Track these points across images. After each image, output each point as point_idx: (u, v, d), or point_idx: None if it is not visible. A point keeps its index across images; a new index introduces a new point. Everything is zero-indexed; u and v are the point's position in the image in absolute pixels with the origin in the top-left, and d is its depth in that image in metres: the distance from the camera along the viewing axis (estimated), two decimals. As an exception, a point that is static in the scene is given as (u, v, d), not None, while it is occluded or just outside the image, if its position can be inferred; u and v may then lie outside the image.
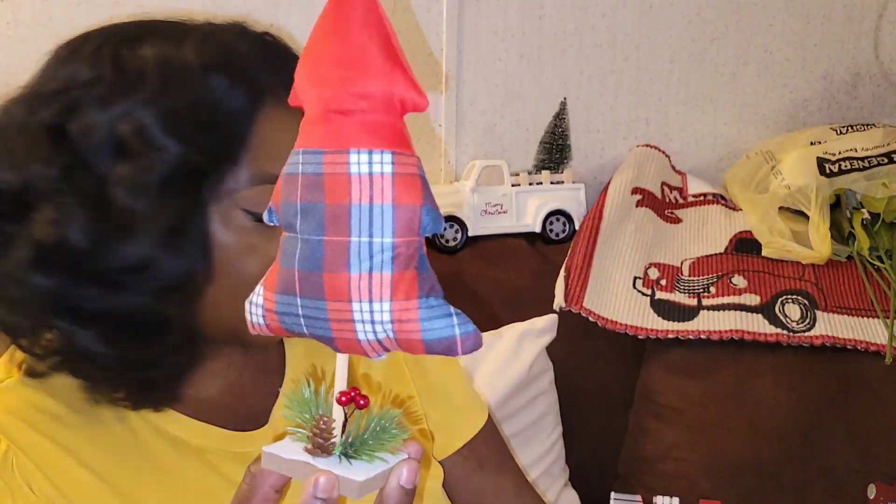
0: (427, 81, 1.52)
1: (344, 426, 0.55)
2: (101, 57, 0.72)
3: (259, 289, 0.56)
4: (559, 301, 1.39)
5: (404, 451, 0.56)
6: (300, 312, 0.53)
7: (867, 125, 1.65)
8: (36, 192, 0.69)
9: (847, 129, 1.63)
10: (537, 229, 1.53)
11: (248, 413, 0.84)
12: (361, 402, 0.55)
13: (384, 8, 0.55)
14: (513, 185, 1.53)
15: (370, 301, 0.51)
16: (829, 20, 1.72)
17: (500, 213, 1.52)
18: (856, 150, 1.56)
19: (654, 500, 1.31)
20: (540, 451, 1.34)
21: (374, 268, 0.51)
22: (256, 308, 0.56)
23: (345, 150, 0.51)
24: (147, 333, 0.72)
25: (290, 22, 1.45)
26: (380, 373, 0.90)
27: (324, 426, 0.54)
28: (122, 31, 0.75)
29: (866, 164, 1.52)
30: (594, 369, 1.42)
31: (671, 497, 1.30)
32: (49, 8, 1.33)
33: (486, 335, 1.29)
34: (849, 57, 1.75)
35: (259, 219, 0.71)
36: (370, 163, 0.51)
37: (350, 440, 0.54)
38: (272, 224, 0.55)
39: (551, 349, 1.37)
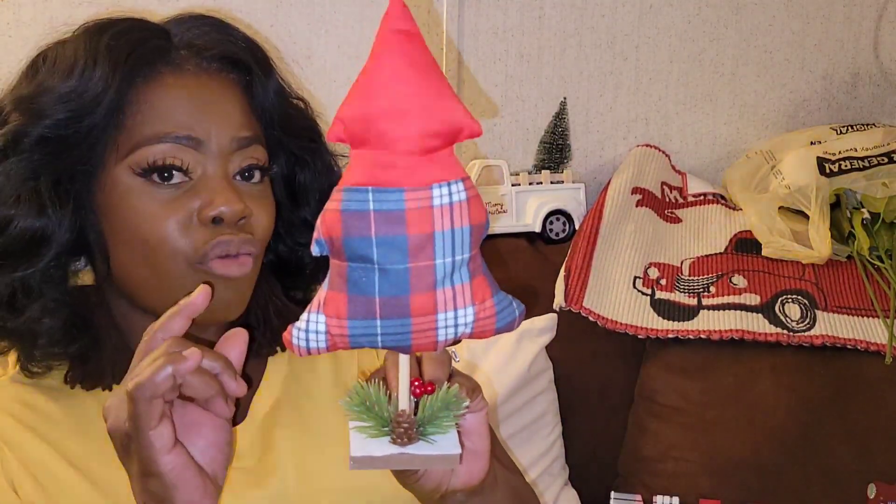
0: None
1: (414, 412, 0.62)
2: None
3: (315, 316, 0.58)
4: (559, 300, 1.39)
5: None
6: (378, 332, 0.57)
7: (867, 125, 1.65)
8: None
9: (847, 129, 1.63)
10: (537, 229, 1.53)
11: None
12: (429, 388, 0.63)
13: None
14: (513, 185, 1.53)
15: (455, 310, 0.57)
16: (829, 20, 1.72)
17: (499, 212, 1.52)
18: (856, 150, 1.56)
19: (653, 500, 1.31)
20: (539, 451, 1.34)
21: (455, 281, 0.57)
22: (317, 336, 0.58)
23: (427, 186, 0.55)
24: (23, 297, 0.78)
25: (290, 22, 1.46)
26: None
27: (407, 421, 0.61)
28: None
29: (866, 164, 1.52)
30: (594, 369, 1.42)
31: (671, 496, 1.30)
32: (50, 8, 1.34)
33: (485, 335, 1.30)
34: (848, 57, 1.75)
35: (143, 174, 0.78)
36: (450, 193, 0.56)
37: (420, 421, 0.62)
38: (321, 255, 0.58)
39: (551, 348, 1.37)
